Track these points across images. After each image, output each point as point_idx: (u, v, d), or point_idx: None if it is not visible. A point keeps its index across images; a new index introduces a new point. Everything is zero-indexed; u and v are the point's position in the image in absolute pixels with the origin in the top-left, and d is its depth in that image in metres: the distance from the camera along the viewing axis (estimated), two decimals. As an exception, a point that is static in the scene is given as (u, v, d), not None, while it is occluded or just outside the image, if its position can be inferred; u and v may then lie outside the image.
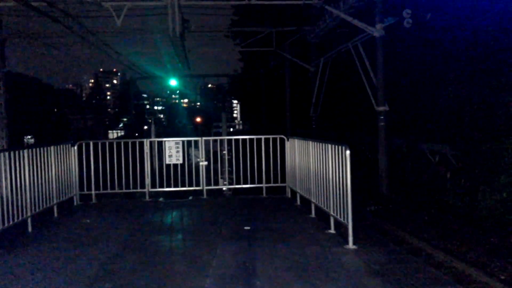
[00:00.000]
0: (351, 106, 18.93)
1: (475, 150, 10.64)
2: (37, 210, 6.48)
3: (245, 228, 6.29)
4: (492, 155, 10.00)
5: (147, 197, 8.74)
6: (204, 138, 9.09)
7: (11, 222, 5.74)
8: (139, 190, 8.86)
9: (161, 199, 8.71)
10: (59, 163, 7.39)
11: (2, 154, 5.73)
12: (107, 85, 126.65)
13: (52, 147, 7.16)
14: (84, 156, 8.42)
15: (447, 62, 12.40)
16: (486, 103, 10.72)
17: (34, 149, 6.51)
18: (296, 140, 8.02)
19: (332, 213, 5.85)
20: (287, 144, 8.59)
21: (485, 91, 10.80)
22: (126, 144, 8.73)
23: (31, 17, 17.67)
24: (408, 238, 8.39)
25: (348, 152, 5.22)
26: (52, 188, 7.07)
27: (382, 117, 13.20)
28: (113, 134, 62.26)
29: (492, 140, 10.06)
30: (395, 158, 14.05)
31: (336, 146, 5.59)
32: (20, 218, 5.99)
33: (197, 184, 8.85)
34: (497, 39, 10.46)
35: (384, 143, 13.29)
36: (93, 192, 8.50)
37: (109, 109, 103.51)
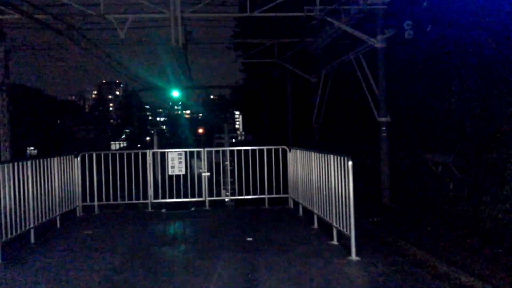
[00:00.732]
0: (353, 117, 18.96)
1: (478, 161, 10.62)
2: (40, 221, 6.49)
3: (248, 239, 6.28)
4: (495, 166, 9.98)
5: (149, 208, 8.75)
6: (206, 149, 9.11)
7: (14, 233, 5.75)
8: (141, 201, 8.87)
9: (163, 210, 8.70)
10: (62, 174, 7.41)
11: (5, 165, 5.76)
12: (110, 97, 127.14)
13: (55, 159, 7.18)
14: (87, 167, 8.45)
15: (449, 72, 12.43)
16: (488, 113, 10.73)
17: (37, 161, 6.54)
18: (298, 151, 8.04)
19: (334, 224, 5.83)
20: (289, 155, 8.60)
21: (487, 101, 10.81)
22: (128, 155, 8.76)
23: (35, 30, 17.88)
24: (411, 249, 8.34)
25: (350, 163, 5.23)
26: (55, 199, 7.08)
27: (384, 128, 13.24)
28: (115, 145, 62.31)
29: (495, 150, 10.05)
30: (397, 168, 14.04)
31: (338, 157, 5.60)
32: (23, 229, 5.99)
33: (200, 195, 8.86)
34: (498, 50, 10.50)
35: (386, 153, 13.30)
36: (95, 203, 8.51)
37: (112, 120, 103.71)
